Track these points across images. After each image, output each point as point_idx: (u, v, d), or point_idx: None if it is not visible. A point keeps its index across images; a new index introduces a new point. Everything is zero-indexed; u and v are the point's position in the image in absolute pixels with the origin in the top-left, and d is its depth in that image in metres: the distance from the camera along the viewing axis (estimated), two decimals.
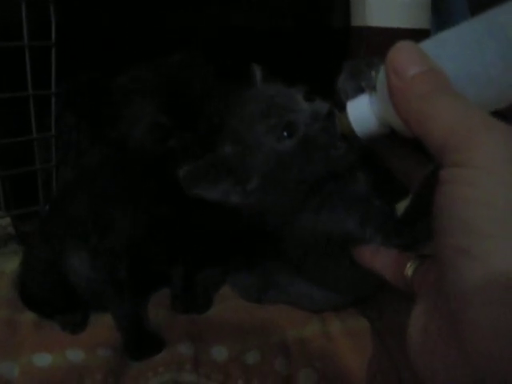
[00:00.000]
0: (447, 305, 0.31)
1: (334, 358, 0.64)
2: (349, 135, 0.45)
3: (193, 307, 0.74)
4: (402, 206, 0.56)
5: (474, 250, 0.29)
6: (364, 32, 0.78)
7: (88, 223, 0.68)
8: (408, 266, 0.43)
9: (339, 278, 0.63)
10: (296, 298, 0.72)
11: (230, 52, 0.89)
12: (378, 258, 0.50)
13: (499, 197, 0.29)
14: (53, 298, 0.71)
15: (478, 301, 0.28)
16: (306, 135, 0.50)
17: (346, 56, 0.86)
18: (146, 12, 0.93)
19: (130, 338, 0.68)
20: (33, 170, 0.82)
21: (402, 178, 0.48)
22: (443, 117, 0.32)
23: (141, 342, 0.67)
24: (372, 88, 0.42)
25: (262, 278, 0.74)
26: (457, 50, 0.36)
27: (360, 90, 0.45)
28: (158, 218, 0.66)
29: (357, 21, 0.81)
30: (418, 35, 0.40)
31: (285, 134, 0.50)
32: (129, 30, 0.91)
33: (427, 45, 0.38)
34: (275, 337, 0.68)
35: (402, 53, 0.35)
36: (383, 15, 0.78)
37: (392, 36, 0.74)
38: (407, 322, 0.37)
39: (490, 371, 0.28)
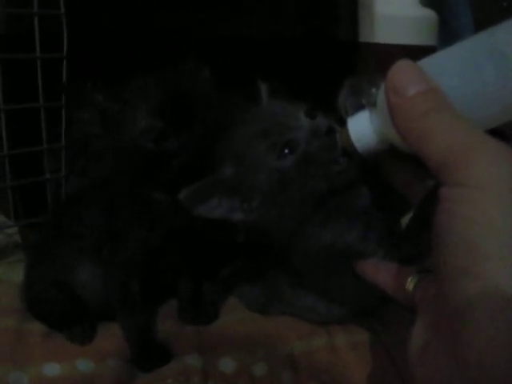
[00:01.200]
0: (447, 320, 0.32)
1: (340, 371, 0.65)
2: (349, 150, 0.46)
3: (200, 318, 0.74)
4: (406, 220, 0.57)
5: (474, 270, 0.30)
6: (372, 48, 0.79)
7: (100, 236, 0.68)
8: (409, 280, 0.44)
9: (342, 291, 0.64)
10: (300, 310, 0.72)
11: (235, 63, 0.90)
12: (380, 272, 0.51)
13: (497, 217, 0.30)
14: (58, 314, 0.71)
15: (477, 318, 0.29)
16: (305, 152, 0.51)
17: (353, 71, 0.87)
18: (153, 22, 0.94)
19: (138, 350, 0.68)
20: (42, 180, 0.83)
21: (404, 191, 0.49)
22: (441, 136, 0.32)
23: (149, 354, 0.67)
24: (372, 105, 0.43)
25: (266, 290, 0.75)
26: (455, 68, 0.37)
27: (360, 107, 0.46)
28: (171, 228, 0.67)
29: (365, 37, 0.82)
30: (425, 52, 0.40)
31: (286, 151, 0.52)
32: (138, 39, 0.92)
33: (426, 63, 0.38)
34: (282, 349, 0.68)
35: (401, 72, 0.36)
36: (391, 32, 0.79)
37: (400, 52, 0.75)
38: (408, 335, 0.38)
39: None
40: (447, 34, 0.95)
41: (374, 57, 0.78)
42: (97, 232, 0.69)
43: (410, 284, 0.44)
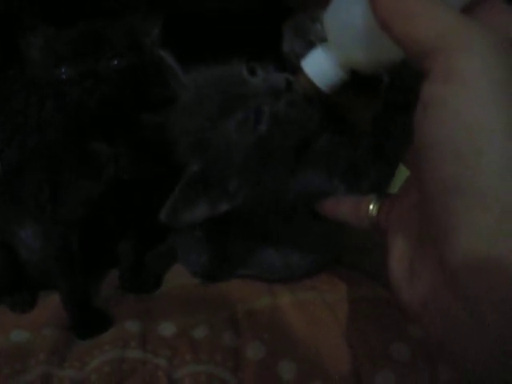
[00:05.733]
0: (434, 239, 0.30)
1: (283, 331, 0.64)
2: (311, 94, 0.45)
3: (141, 287, 0.73)
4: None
5: (465, 183, 0.27)
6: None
7: (42, 194, 0.67)
8: (371, 207, 0.44)
9: (308, 237, 0.65)
10: (257, 269, 0.71)
11: (194, 38, 0.88)
12: (341, 205, 0.50)
13: (495, 120, 0.27)
14: (0, 279, 0.70)
15: (467, 235, 0.27)
16: (275, 115, 0.49)
17: None
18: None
19: (77, 316, 0.67)
20: None
21: (357, 121, 0.48)
22: (435, 20, 0.29)
23: (87, 320, 0.66)
24: (323, 39, 0.42)
25: (218, 254, 0.73)
26: None
27: (308, 47, 0.44)
28: (112, 181, 0.66)
29: None
30: None
31: (253, 122, 0.49)
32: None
33: None
34: (224, 311, 0.67)
35: None
36: None
37: None
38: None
39: (475, 293, 0.27)
40: None
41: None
42: (39, 190, 0.68)
43: (373, 210, 0.44)
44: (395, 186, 0.48)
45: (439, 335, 0.31)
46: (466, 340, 0.29)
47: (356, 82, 0.44)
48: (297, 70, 0.45)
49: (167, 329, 0.64)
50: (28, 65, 0.65)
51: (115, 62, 0.60)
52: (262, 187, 0.53)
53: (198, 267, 0.75)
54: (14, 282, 0.70)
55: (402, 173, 0.51)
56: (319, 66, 0.43)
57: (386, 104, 0.50)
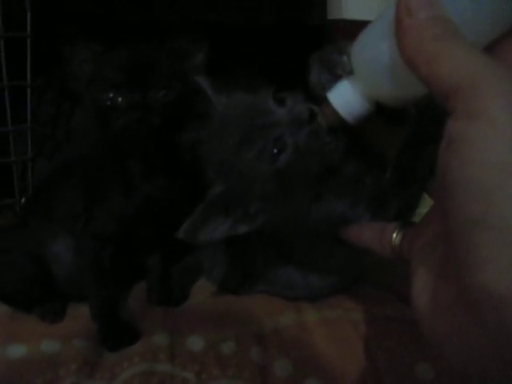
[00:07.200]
0: (457, 273, 0.30)
1: (309, 348, 0.65)
2: (336, 125, 0.45)
3: (169, 300, 0.74)
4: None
5: (487, 220, 0.27)
6: (339, 25, 0.79)
7: (78, 206, 0.69)
8: (394, 235, 0.44)
9: (330, 260, 0.64)
10: (276, 287, 0.72)
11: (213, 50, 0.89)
12: (364, 232, 0.50)
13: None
14: (31, 290, 0.71)
15: (488, 272, 0.27)
16: (296, 146, 0.50)
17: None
18: (122, 8, 0.93)
19: (105, 328, 0.68)
20: (8, 163, 0.81)
21: (382, 150, 0.49)
22: (455, 60, 0.30)
23: (116, 333, 0.67)
24: (348, 72, 0.42)
25: (239, 269, 0.74)
26: None
27: (334, 79, 0.45)
28: (145, 199, 0.68)
29: (333, 14, 0.81)
30: None
31: (275, 151, 0.50)
32: (107, 20, 0.91)
33: None
34: (251, 326, 0.68)
35: None
36: (358, 8, 0.78)
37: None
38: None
39: (502, 332, 0.27)
40: None
41: (342, 33, 0.78)
42: (74, 202, 0.70)
43: (396, 239, 0.44)
44: (421, 214, 0.49)
45: (460, 363, 0.31)
46: (487, 368, 0.29)
47: (383, 112, 0.44)
48: (323, 102, 0.45)
49: (195, 343, 0.65)
50: (69, 79, 0.65)
51: (162, 94, 0.61)
52: (283, 212, 0.54)
53: (219, 278, 0.76)
54: (44, 293, 0.71)
55: (427, 201, 0.52)
56: (345, 98, 0.43)
57: (412, 135, 0.50)
